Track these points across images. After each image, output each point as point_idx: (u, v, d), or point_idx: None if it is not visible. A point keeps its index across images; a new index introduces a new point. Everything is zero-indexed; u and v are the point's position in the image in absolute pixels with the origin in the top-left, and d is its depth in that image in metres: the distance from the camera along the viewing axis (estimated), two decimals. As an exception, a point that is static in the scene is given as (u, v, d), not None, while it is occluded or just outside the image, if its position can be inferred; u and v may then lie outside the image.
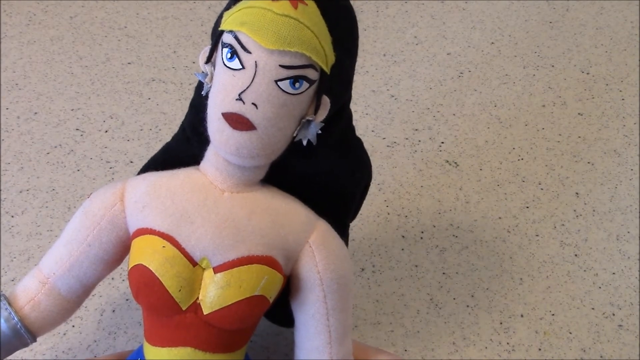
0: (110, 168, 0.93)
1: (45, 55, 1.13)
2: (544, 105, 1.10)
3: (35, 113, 1.02)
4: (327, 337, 0.59)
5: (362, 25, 1.26)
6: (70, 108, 1.03)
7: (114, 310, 0.77)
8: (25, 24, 1.19)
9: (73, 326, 0.75)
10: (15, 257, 0.81)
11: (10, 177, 0.91)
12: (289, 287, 0.58)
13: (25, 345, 0.59)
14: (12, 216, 0.86)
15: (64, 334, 0.74)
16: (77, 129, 0.99)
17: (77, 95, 1.05)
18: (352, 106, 1.13)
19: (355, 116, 1.04)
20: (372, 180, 0.95)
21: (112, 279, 0.79)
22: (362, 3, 1.31)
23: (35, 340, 0.59)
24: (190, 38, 1.19)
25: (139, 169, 0.64)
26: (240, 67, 0.49)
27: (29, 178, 0.91)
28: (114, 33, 1.19)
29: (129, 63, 1.12)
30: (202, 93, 0.53)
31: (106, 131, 0.99)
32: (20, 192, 0.89)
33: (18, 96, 1.04)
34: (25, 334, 0.58)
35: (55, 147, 0.96)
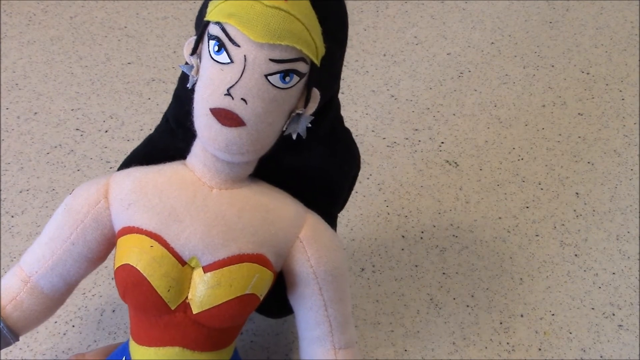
0: (110, 168, 0.93)
1: (45, 55, 1.13)
2: (544, 105, 1.10)
3: (35, 113, 1.02)
4: (328, 327, 0.59)
5: (362, 25, 1.26)
6: (70, 108, 1.03)
7: (114, 310, 0.77)
8: (25, 24, 1.19)
9: (73, 326, 0.75)
10: (15, 257, 0.81)
11: (10, 177, 0.91)
12: (280, 281, 0.58)
13: (8, 344, 0.58)
14: (12, 216, 0.86)
15: (64, 334, 0.74)
16: (77, 129, 0.99)
17: (77, 95, 1.05)
18: (352, 106, 1.14)
19: (355, 116, 1.05)
20: (372, 180, 0.95)
21: (112, 278, 0.79)
22: (362, 3, 1.31)
23: (18, 340, 0.58)
24: (190, 38, 1.19)
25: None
26: (229, 60, 0.48)
27: (29, 178, 0.91)
28: (114, 33, 1.19)
29: (129, 63, 1.12)
30: (188, 86, 0.52)
31: (106, 131, 0.99)
32: (20, 192, 0.89)
33: (18, 96, 1.04)
34: (7, 334, 0.57)
35: (55, 147, 0.96)
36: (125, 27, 1.21)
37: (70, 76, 1.09)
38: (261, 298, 0.55)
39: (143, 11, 1.25)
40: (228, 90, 0.48)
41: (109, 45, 1.16)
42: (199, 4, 1.43)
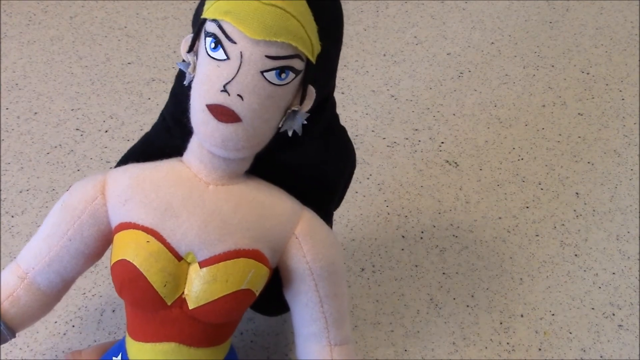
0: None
1: (45, 55, 1.13)
2: (544, 105, 1.10)
3: (35, 113, 1.02)
4: (324, 323, 0.59)
5: (362, 25, 1.26)
6: (70, 108, 1.03)
7: (114, 310, 0.77)
8: (25, 24, 1.19)
9: (73, 326, 0.75)
10: (15, 257, 0.81)
11: (10, 177, 0.91)
12: (276, 278, 0.58)
13: (5, 341, 0.58)
14: (12, 216, 0.86)
15: (64, 334, 0.74)
16: (77, 129, 0.99)
17: (77, 95, 1.05)
18: (352, 106, 1.14)
19: (355, 116, 1.05)
20: (372, 180, 0.95)
21: (112, 279, 0.79)
22: (362, 3, 1.31)
23: (15, 336, 0.58)
24: (190, 38, 1.19)
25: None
26: (225, 57, 0.48)
27: (29, 178, 0.91)
28: (114, 33, 1.19)
29: (129, 63, 1.12)
30: (185, 83, 0.52)
31: (106, 131, 0.99)
32: (20, 192, 0.89)
33: (18, 96, 1.04)
34: (5, 331, 0.57)
35: (55, 147, 0.96)
36: (125, 27, 1.21)
37: (70, 76, 1.09)
38: (257, 294, 0.55)
39: (143, 11, 1.25)
40: (224, 86, 0.49)
41: (109, 45, 1.16)
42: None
